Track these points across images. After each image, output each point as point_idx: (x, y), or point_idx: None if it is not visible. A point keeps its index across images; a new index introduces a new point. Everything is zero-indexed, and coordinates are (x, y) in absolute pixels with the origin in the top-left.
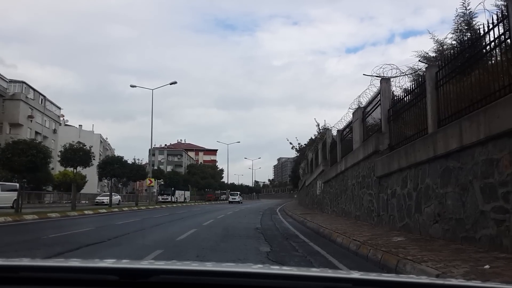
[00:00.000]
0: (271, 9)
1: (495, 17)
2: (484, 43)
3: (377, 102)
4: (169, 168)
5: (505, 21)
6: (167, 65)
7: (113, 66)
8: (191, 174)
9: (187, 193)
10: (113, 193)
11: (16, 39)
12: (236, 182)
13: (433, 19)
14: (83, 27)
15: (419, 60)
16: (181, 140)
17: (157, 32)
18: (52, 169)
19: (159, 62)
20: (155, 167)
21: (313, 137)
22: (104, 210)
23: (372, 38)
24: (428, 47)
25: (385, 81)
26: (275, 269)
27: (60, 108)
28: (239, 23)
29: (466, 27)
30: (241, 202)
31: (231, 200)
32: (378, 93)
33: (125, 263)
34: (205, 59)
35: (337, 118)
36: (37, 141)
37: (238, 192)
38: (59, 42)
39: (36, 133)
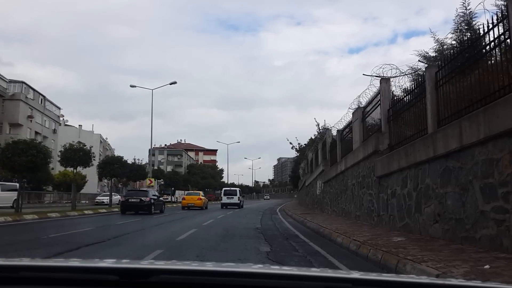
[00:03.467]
0: (275, 9)
1: (495, 17)
2: (484, 43)
3: (377, 102)
4: (169, 168)
5: (505, 21)
6: (168, 66)
7: (114, 67)
8: (191, 174)
9: None
10: (113, 193)
11: (17, 39)
12: (236, 182)
13: (436, 19)
14: (84, 28)
15: (418, 60)
16: (181, 140)
17: (159, 33)
18: (52, 169)
19: (161, 63)
20: (155, 167)
21: (313, 137)
22: (104, 210)
23: (374, 38)
24: (429, 47)
25: (385, 81)
26: (275, 269)
27: (60, 108)
28: (242, 24)
29: (466, 27)
30: (242, 206)
31: (225, 202)
32: (378, 93)
33: (125, 263)
34: (206, 59)
35: (337, 118)
36: (37, 141)
37: (238, 189)
38: (60, 42)
39: (36, 133)
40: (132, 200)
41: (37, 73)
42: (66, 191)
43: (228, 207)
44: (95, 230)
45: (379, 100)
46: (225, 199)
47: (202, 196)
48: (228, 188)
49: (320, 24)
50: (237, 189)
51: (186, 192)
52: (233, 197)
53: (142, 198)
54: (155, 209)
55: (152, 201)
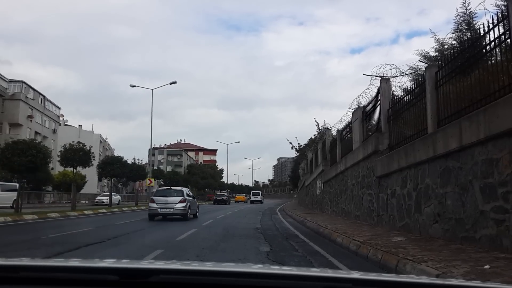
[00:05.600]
0: (276, 9)
1: (495, 17)
2: (484, 43)
3: (377, 102)
4: (169, 168)
5: (505, 21)
6: (169, 66)
7: (115, 67)
8: (191, 174)
9: None
10: (113, 193)
11: (18, 39)
12: (236, 182)
13: (438, 20)
14: (85, 28)
15: (419, 60)
16: (181, 140)
17: (160, 33)
18: (52, 169)
19: (162, 63)
20: (155, 167)
21: (313, 137)
22: (104, 210)
23: (376, 38)
24: (431, 46)
25: (385, 81)
26: (275, 269)
27: (59, 108)
28: (243, 24)
29: (466, 27)
30: (262, 202)
31: (253, 199)
32: (378, 93)
33: (125, 263)
34: (207, 59)
35: (337, 118)
36: (37, 141)
37: (260, 191)
38: (61, 42)
39: (36, 133)
40: (219, 198)
41: (37, 73)
42: (66, 191)
43: (254, 202)
44: (95, 230)
45: (379, 100)
46: (252, 198)
47: (245, 195)
48: (254, 191)
49: (322, 24)
50: (259, 191)
51: (237, 194)
52: (257, 196)
53: (223, 197)
54: (227, 203)
55: (226, 197)
